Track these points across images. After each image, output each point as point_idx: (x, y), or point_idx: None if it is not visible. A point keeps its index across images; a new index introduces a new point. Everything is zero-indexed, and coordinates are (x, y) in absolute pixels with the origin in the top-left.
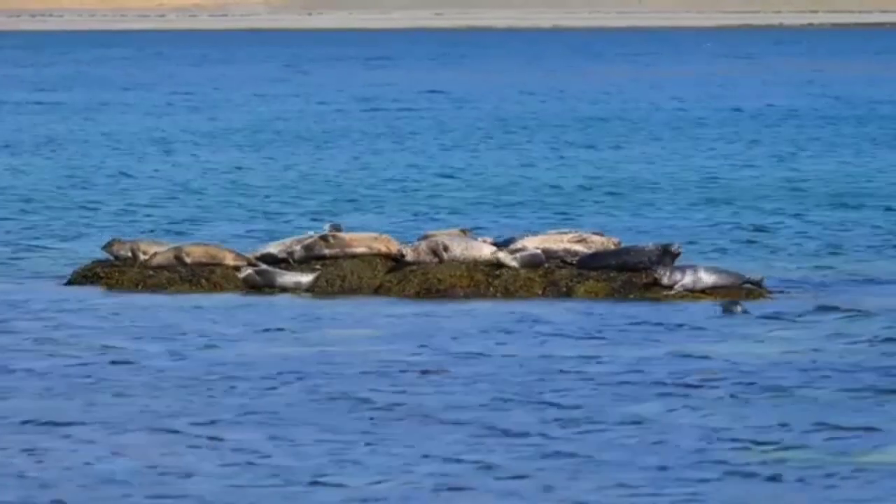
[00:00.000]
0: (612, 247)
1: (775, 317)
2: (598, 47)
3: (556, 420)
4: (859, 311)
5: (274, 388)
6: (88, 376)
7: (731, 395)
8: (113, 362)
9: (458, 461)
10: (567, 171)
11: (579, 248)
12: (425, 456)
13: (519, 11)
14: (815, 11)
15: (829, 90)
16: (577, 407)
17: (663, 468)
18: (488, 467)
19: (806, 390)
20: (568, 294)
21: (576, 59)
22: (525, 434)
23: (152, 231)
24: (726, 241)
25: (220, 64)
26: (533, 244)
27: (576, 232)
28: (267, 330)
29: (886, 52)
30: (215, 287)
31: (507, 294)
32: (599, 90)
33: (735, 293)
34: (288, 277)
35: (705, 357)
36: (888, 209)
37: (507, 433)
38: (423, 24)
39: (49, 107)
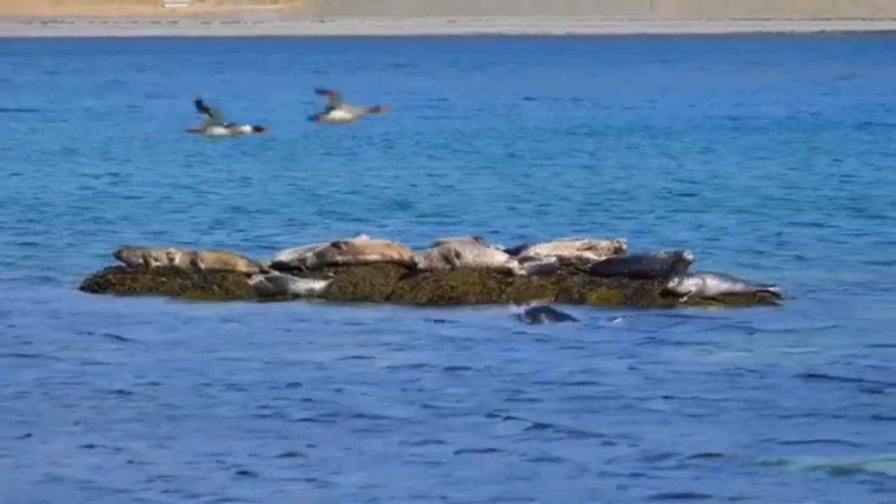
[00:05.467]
0: (619, 251)
1: (789, 324)
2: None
3: (554, 425)
4: (874, 319)
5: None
6: (70, 379)
7: (746, 403)
8: (95, 366)
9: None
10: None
11: (589, 254)
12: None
13: (531, 18)
14: (827, 19)
15: (845, 97)
16: (579, 413)
17: (660, 475)
18: (437, 470)
19: (817, 397)
20: (580, 301)
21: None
22: (504, 443)
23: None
24: (739, 248)
25: (236, 70)
26: (544, 251)
27: (586, 239)
28: (266, 334)
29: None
30: (227, 294)
31: (520, 301)
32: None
33: (748, 300)
34: (300, 284)
35: (718, 364)
36: None
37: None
38: (435, 30)
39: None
